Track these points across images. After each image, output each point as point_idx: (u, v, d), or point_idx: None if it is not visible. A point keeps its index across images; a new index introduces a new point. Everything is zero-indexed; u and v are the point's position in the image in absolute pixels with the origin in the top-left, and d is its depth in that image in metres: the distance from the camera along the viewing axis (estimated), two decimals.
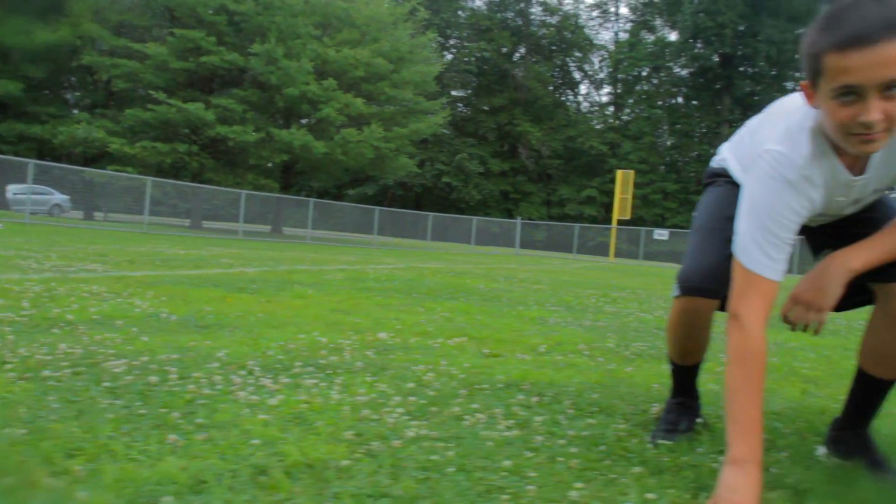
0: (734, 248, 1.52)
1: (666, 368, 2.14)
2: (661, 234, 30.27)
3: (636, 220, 30.26)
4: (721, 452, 1.53)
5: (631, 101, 55.00)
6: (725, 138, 2.05)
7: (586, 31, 56.02)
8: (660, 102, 52.90)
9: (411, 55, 28.81)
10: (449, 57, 50.46)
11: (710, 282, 1.69)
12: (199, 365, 2.30)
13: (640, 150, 49.32)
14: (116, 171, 22.04)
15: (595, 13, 57.77)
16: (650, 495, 1.37)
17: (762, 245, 1.46)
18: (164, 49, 23.59)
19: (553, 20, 54.66)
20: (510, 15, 53.89)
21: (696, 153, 49.96)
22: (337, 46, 26.04)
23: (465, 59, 52.59)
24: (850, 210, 1.63)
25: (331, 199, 34.45)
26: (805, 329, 1.63)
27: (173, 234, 18.36)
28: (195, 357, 2.43)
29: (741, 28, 47.89)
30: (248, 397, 1.93)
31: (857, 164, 1.49)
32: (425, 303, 5.01)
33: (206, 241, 15.14)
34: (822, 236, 1.77)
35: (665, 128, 52.76)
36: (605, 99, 58.21)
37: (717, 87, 50.57)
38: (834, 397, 2.51)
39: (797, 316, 1.62)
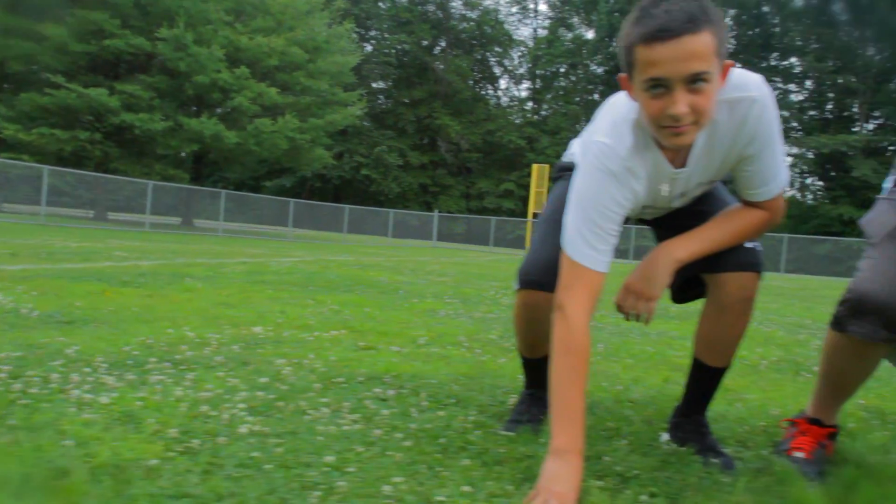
0: (561, 240, 1.52)
1: None
2: None
3: None
4: None
5: (549, 96, 55.91)
6: None
7: (506, 26, 56.56)
8: (577, 99, 53.95)
9: (328, 45, 28.38)
10: (368, 48, 50.02)
11: (549, 276, 1.68)
12: (40, 363, 2.17)
13: (558, 144, 50.18)
14: (11, 159, 20.80)
15: (514, 9, 58.35)
16: (466, 488, 1.36)
17: (587, 237, 1.47)
18: (62, 30, 22.37)
19: (473, 14, 54.93)
20: (431, 8, 53.81)
21: None
22: (250, 34, 25.36)
23: (385, 50, 52.23)
24: (678, 203, 1.66)
25: (248, 191, 33.58)
26: (638, 318, 1.67)
27: (74, 226, 17.50)
28: (40, 355, 2.28)
29: None
30: (81, 396, 1.83)
31: (678, 157, 1.52)
32: (318, 296, 4.93)
33: (109, 234, 14.50)
34: (661, 229, 1.81)
35: (582, 123, 53.88)
36: (523, 94, 59.05)
37: None
38: None
39: (629, 305, 1.64)
